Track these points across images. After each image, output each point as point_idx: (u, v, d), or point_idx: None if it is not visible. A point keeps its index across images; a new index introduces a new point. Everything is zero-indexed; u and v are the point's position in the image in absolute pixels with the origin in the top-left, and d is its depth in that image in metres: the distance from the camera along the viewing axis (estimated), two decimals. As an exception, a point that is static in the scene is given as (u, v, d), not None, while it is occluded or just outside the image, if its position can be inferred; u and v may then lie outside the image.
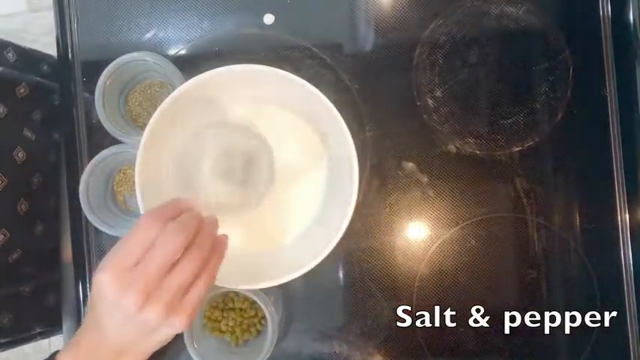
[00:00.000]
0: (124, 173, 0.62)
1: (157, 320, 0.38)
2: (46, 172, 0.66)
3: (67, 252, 0.64)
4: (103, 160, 0.58)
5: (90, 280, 0.62)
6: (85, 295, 0.63)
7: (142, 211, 0.50)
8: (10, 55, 0.68)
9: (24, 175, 0.63)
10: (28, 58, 0.72)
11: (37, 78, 0.69)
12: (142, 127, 0.60)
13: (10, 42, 0.69)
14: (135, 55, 0.57)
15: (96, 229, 0.59)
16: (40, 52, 0.75)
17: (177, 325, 0.39)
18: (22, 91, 0.63)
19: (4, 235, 0.58)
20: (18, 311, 0.64)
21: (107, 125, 0.57)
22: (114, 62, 0.57)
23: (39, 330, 0.67)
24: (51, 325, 0.69)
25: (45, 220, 0.66)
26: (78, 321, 0.64)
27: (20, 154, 0.61)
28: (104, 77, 0.57)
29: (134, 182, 0.52)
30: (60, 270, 0.66)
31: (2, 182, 0.58)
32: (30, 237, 0.64)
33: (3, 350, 0.63)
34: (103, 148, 0.58)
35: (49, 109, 0.68)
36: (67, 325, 0.65)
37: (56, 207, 0.67)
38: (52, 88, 0.70)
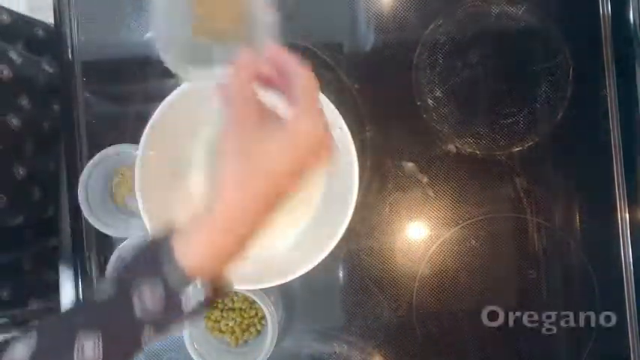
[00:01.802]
0: (122, 174, 0.62)
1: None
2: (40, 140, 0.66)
3: (65, 222, 0.64)
4: (101, 161, 0.58)
5: (89, 269, 0.63)
6: (83, 272, 0.63)
7: (142, 212, 0.50)
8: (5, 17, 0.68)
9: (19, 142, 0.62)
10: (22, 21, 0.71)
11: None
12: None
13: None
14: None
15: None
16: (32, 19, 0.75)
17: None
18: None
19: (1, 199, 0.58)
20: (17, 285, 0.63)
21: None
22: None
23: (35, 306, 0.67)
24: (48, 301, 0.68)
25: (43, 187, 0.65)
26: (75, 269, 0.63)
27: (15, 121, 0.61)
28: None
29: (133, 183, 0.52)
30: (60, 239, 0.65)
31: None
32: (29, 203, 0.63)
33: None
34: (102, 148, 0.58)
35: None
36: (64, 301, 0.64)
37: (55, 171, 0.67)
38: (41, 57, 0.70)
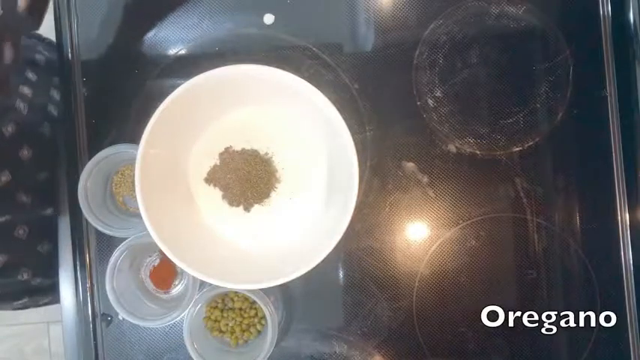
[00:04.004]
0: (122, 174, 0.62)
1: None
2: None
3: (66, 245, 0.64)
4: (100, 162, 0.58)
5: (89, 269, 0.63)
6: (83, 273, 0.63)
7: (142, 214, 0.50)
8: None
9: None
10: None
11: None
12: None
13: None
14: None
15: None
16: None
17: None
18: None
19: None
20: (9, 251, 0.63)
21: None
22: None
23: (26, 277, 0.66)
24: (40, 273, 0.68)
25: (35, 148, 0.65)
26: (77, 306, 0.63)
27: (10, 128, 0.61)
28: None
29: (133, 182, 0.52)
30: (56, 206, 0.65)
31: None
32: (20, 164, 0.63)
33: None
34: (102, 148, 0.58)
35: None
36: (65, 303, 0.64)
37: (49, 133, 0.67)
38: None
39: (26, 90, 0.66)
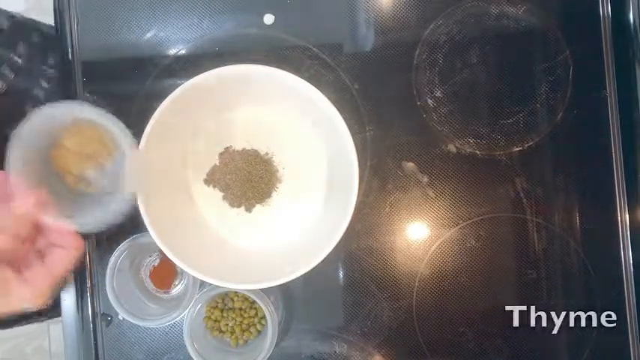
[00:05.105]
0: (64, 144, 0.46)
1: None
2: None
3: None
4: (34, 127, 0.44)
5: (89, 268, 0.62)
6: (84, 279, 0.63)
7: (143, 214, 0.50)
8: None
9: None
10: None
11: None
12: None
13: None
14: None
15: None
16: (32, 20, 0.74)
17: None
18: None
19: None
20: None
21: None
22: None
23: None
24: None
25: None
26: (77, 306, 0.63)
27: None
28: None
29: (89, 145, 0.46)
30: None
31: None
32: None
33: None
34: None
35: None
36: (65, 305, 0.64)
37: None
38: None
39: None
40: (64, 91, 0.64)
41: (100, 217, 0.45)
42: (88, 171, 0.48)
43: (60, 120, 0.46)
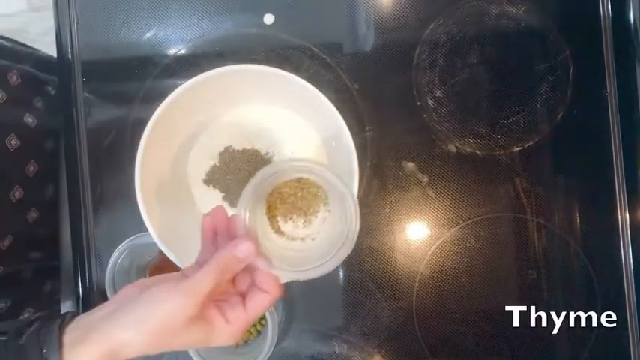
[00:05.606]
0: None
1: None
2: (41, 161, 0.66)
3: (66, 237, 0.64)
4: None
5: (89, 268, 0.63)
6: (85, 279, 0.63)
7: (143, 214, 0.50)
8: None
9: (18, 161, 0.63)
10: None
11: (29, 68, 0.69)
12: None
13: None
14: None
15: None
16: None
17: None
18: (14, 79, 0.63)
19: None
20: (15, 296, 0.63)
21: None
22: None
23: (27, 315, 0.67)
24: (45, 308, 0.68)
25: (41, 209, 0.66)
26: (77, 307, 0.63)
27: (13, 142, 0.61)
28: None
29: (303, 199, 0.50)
30: (59, 256, 0.65)
31: None
32: (24, 224, 0.64)
33: None
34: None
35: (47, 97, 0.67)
36: (65, 309, 0.65)
37: (54, 196, 0.66)
38: (45, 79, 0.70)
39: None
40: (65, 94, 0.64)
41: (302, 271, 0.45)
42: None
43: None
